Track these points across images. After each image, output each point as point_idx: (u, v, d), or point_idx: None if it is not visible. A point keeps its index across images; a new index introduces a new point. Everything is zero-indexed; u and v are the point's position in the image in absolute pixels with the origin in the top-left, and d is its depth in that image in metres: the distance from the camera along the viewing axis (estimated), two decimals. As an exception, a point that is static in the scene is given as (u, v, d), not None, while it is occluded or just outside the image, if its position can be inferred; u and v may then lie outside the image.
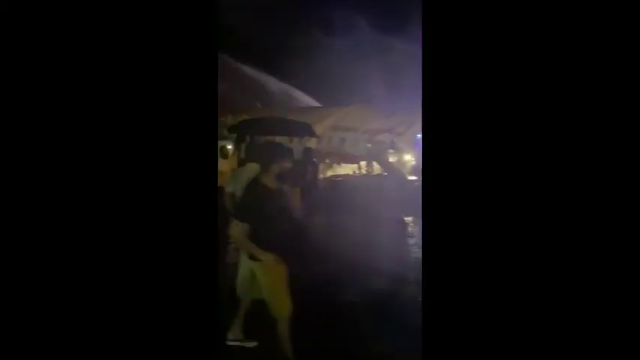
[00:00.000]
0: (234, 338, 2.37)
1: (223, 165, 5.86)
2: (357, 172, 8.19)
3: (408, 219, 5.66)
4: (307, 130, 7.19)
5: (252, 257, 2.11)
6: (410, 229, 5.42)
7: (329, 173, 8.65)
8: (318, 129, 8.70)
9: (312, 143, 8.45)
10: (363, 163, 8.24)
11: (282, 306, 2.12)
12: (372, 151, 8.44)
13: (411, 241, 4.96)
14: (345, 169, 9.07)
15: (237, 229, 2.04)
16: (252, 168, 3.05)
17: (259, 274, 2.14)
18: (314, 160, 5.50)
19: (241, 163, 4.99)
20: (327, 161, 9.42)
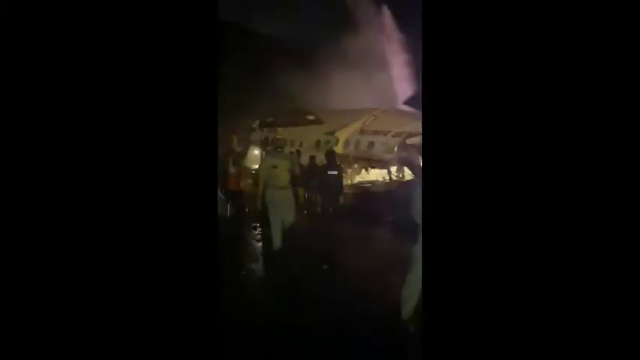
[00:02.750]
0: None
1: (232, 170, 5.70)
2: (387, 177, 7.75)
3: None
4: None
5: None
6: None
7: (357, 179, 8.28)
8: (345, 132, 8.37)
9: (338, 148, 8.11)
10: (393, 169, 7.81)
11: None
12: (402, 156, 8.00)
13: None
14: (374, 175, 8.68)
15: None
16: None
17: None
18: (339, 165, 5.14)
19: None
20: (355, 166, 9.05)
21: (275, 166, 3.85)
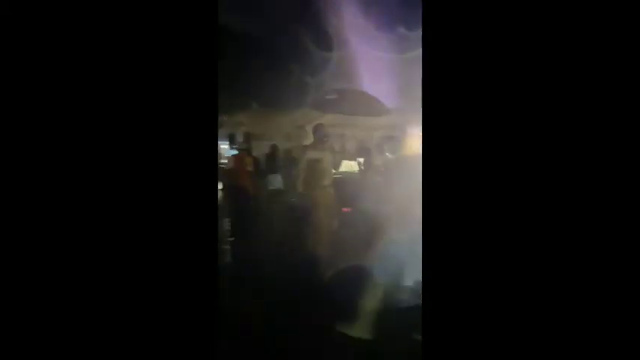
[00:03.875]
0: None
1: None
2: (356, 169, 8.12)
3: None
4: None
5: None
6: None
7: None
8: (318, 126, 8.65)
9: (309, 140, 8.41)
10: (361, 161, 8.18)
11: None
12: (370, 149, 8.37)
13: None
14: (344, 167, 8.98)
15: None
16: None
17: None
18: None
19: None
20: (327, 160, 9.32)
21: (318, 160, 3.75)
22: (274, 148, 8.01)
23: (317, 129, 4.71)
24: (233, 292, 3.39)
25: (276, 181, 6.65)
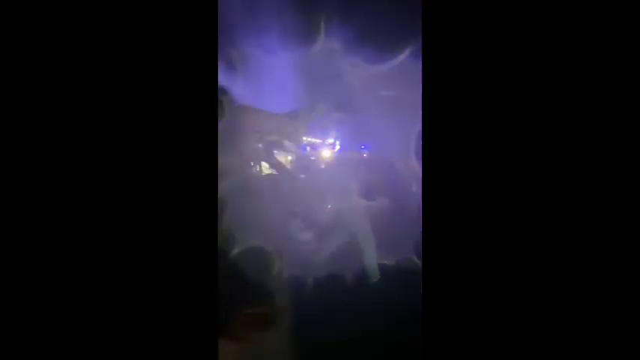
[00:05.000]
0: None
1: None
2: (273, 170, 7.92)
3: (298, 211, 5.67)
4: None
5: None
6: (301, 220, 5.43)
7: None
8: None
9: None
10: (251, 164, 8.02)
11: None
12: (261, 152, 8.27)
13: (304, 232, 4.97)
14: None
15: None
16: None
17: None
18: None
19: None
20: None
21: None
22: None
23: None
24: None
25: None
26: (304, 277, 2.71)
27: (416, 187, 1.99)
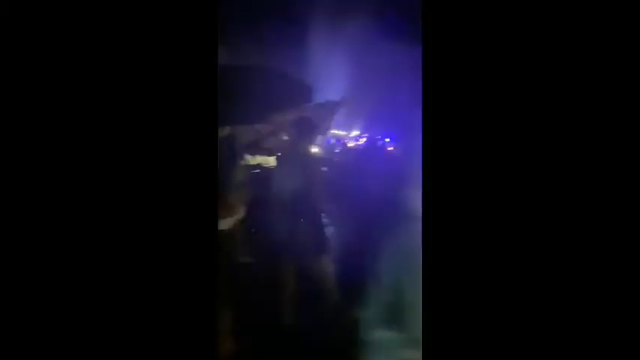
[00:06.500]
0: None
1: None
2: (271, 163, 8.00)
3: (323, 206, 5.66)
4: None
5: None
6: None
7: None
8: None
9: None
10: (276, 155, 8.09)
11: None
12: (286, 144, 8.31)
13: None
14: (260, 161, 8.79)
15: None
16: None
17: None
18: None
19: None
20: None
21: None
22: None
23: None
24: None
25: None
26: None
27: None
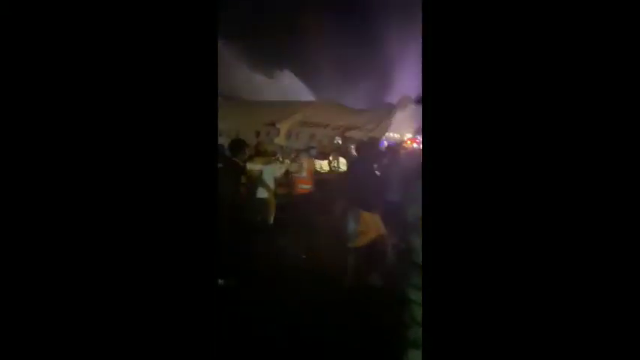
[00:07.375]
0: None
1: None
2: (326, 168, 8.06)
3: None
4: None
5: None
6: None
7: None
8: (286, 124, 8.47)
9: (280, 139, 8.23)
10: (332, 160, 8.12)
11: None
12: (342, 148, 8.32)
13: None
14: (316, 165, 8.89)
15: None
16: None
17: None
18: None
19: None
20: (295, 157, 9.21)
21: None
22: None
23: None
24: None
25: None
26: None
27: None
